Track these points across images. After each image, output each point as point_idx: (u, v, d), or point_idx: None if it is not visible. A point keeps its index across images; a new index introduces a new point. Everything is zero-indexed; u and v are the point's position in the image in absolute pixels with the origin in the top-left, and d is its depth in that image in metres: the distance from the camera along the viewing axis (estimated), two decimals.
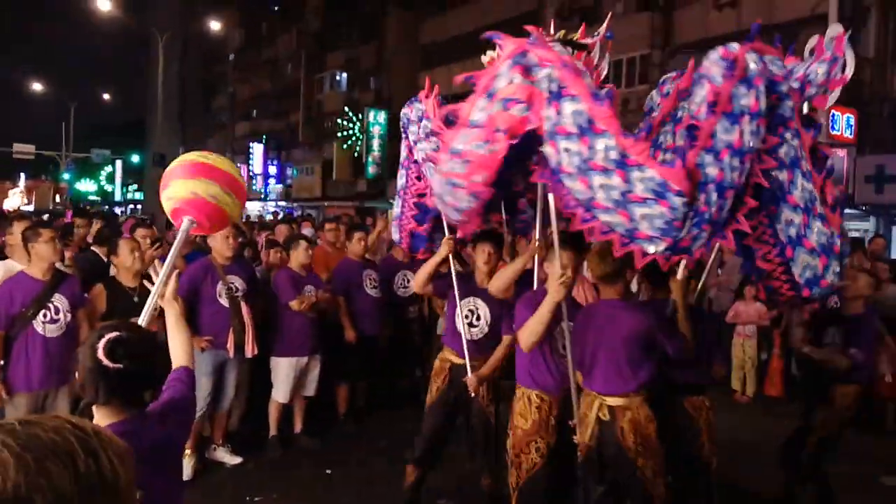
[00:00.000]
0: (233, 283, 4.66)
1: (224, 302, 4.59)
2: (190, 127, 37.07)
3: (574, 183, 2.55)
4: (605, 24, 3.10)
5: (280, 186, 35.17)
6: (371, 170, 26.44)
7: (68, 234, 6.77)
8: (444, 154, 2.81)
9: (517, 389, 3.45)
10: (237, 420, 5.23)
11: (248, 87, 39.29)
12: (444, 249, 3.84)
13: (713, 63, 2.39)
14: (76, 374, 1.70)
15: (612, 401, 3.06)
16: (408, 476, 3.94)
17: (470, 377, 3.74)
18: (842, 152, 12.02)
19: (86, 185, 58.11)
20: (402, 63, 26.72)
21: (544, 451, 3.29)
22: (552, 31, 2.98)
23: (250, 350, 4.66)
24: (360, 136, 26.95)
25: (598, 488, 3.12)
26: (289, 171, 34.61)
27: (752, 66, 2.37)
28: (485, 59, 2.94)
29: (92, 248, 5.88)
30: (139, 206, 36.52)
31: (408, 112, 3.75)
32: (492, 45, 2.86)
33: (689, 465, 3.46)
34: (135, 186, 51.54)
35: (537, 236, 3.45)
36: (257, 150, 35.01)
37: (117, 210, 40.23)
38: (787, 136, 2.62)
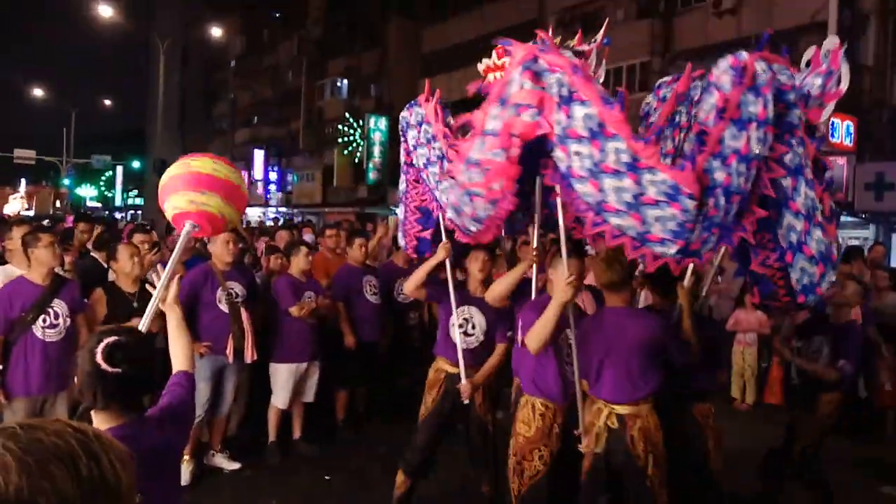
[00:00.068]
0: (232, 289, 4.66)
1: (224, 307, 4.59)
2: (190, 133, 37.14)
3: (585, 186, 2.56)
4: (601, 31, 3.11)
5: (280, 193, 35.20)
6: (371, 176, 26.48)
7: (68, 239, 6.76)
8: (461, 164, 2.80)
9: (521, 397, 3.41)
10: (236, 426, 5.22)
11: (249, 93, 39.32)
12: (440, 254, 3.81)
13: (723, 72, 2.41)
14: (75, 379, 1.70)
15: (621, 409, 3.04)
16: (398, 486, 3.89)
17: (464, 384, 3.73)
18: (841, 160, 12.03)
19: (86, 191, 58.12)
20: (403, 70, 26.78)
21: (547, 459, 3.26)
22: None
23: (249, 356, 4.66)
24: (361, 143, 26.98)
25: (601, 497, 3.09)
26: (289, 178, 34.62)
27: (761, 74, 2.39)
28: (480, 66, 2.95)
29: (91, 253, 5.88)
30: (139, 212, 36.56)
31: (407, 116, 3.73)
32: (488, 53, 2.86)
33: (698, 474, 3.42)
34: (135, 192, 51.61)
35: (535, 244, 3.44)
36: (258, 156, 35.02)
37: (118, 215, 40.27)
38: (794, 143, 2.64)
